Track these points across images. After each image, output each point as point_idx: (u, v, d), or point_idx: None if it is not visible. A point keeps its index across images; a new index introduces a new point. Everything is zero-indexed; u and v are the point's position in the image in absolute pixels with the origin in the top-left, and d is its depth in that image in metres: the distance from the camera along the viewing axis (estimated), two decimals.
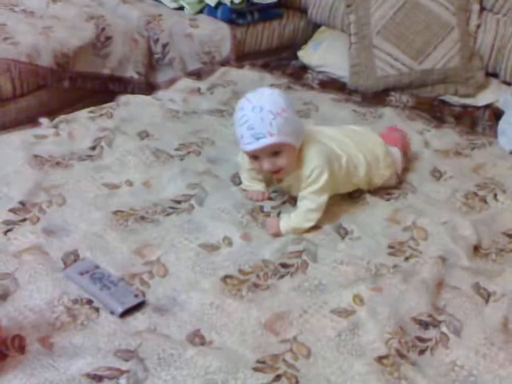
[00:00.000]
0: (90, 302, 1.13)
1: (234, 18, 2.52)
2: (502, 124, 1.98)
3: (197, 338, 1.08)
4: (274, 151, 1.33)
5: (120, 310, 1.10)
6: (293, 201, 1.47)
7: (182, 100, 1.99)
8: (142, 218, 1.37)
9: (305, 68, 2.50)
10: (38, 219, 1.33)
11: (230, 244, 1.32)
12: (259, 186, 1.50)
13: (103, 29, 2.25)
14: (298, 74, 2.43)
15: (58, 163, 1.54)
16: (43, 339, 1.03)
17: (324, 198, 1.38)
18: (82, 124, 1.72)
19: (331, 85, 2.36)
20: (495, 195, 1.60)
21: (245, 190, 1.51)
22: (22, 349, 1.01)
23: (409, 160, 1.71)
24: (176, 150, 1.66)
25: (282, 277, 1.24)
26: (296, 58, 2.57)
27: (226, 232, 1.35)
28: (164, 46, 2.40)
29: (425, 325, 1.15)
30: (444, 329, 1.14)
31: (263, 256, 1.29)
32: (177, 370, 1.00)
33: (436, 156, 1.79)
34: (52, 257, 1.22)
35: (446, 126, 2.04)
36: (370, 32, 2.36)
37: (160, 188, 1.49)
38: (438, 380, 1.05)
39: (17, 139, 1.61)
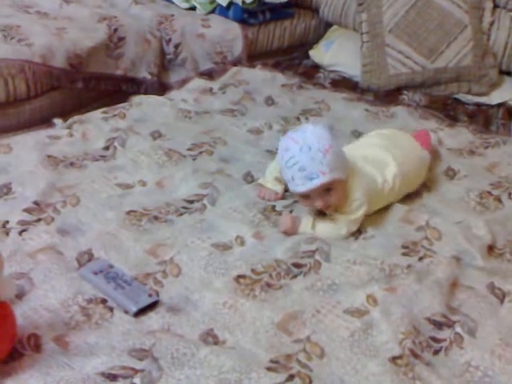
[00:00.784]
0: (104, 301, 1.13)
1: (245, 17, 2.53)
2: None
3: (210, 338, 1.08)
4: (326, 188, 1.33)
5: (134, 309, 1.11)
6: None
7: (194, 100, 1.99)
8: (155, 217, 1.38)
9: (316, 67, 2.49)
10: (53, 219, 1.34)
11: (243, 243, 1.32)
12: (277, 187, 1.50)
13: (116, 29, 2.26)
14: (310, 74, 2.43)
15: (71, 164, 1.55)
16: (58, 338, 1.04)
17: (354, 228, 1.39)
18: (96, 124, 1.73)
19: (343, 84, 2.36)
20: (510, 194, 1.59)
21: (260, 185, 1.50)
22: (37, 347, 1.01)
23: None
24: (188, 149, 1.67)
25: (294, 276, 1.24)
26: (308, 57, 2.56)
27: (238, 231, 1.35)
28: (176, 46, 2.41)
29: (439, 325, 1.14)
30: (458, 329, 1.13)
31: (276, 255, 1.29)
32: (190, 369, 1.00)
33: (449, 155, 1.78)
34: (66, 256, 1.23)
35: (460, 125, 2.02)
36: (383, 30, 2.35)
37: (173, 188, 1.50)
38: (453, 380, 1.04)
39: (31, 140, 1.62)
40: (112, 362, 1.00)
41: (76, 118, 1.77)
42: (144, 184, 1.50)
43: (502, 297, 1.23)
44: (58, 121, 1.76)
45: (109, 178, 1.50)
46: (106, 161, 1.58)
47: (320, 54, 2.53)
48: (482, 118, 2.16)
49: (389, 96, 2.27)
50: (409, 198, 1.56)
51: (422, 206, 1.53)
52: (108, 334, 1.06)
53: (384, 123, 1.94)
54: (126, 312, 1.11)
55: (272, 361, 1.04)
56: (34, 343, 1.02)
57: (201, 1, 2.55)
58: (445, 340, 1.11)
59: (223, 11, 2.53)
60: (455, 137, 1.91)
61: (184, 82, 2.19)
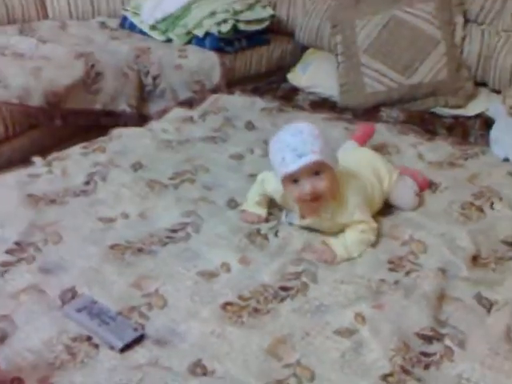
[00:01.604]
0: (89, 338, 1.12)
1: (222, 46, 2.56)
2: (494, 132, 1.99)
3: (199, 369, 1.06)
4: (316, 171, 1.32)
5: (120, 344, 1.09)
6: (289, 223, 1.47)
7: (174, 129, 2.00)
8: (139, 250, 1.37)
9: (295, 90, 2.52)
10: (34, 258, 1.33)
11: (229, 270, 1.32)
12: (259, 211, 1.50)
13: (93, 65, 2.28)
14: (289, 96, 2.45)
15: (52, 201, 1.54)
16: (43, 380, 1.02)
17: (374, 225, 1.40)
18: (75, 160, 1.73)
19: (322, 105, 2.38)
20: (492, 204, 1.60)
21: (242, 211, 1.50)
22: None
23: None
24: (170, 179, 1.67)
25: (282, 300, 1.23)
26: (286, 80, 2.59)
27: (223, 258, 1.34)
28: (154, 77, 2.43)
29: (428, 339, 1.14)
30: (448, 342, 1.13)
31: (262, 280, 1.29)
32: None
33: (430, 168, 1.79)
34: (49, 295, 1.22)
35: (439, 138, 2.04)
36: (357, 51, 2.38)
37: (156, 218, 1.49)
38: None
39: (11, 179, 1.62)
40: None
41: (55, 155, 1.77)
42: (126, 216, 1.49)
43: (489, 306, 1.22)
44: (37, 159, 1.75)
45: (90, 212, 1.49)
46: (86, 196, 1.57)
47: (298, 76, 2.56)
48: (460, 130, 2.18)
49: (367, 114, 2.29)
50: (392, 212, 1.56)
51: (406, 220, 1.53)
52: (94, 371, 1.05)
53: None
54: (112, 348, 1.10)
55: None
56: None
57: (177, 32, 2.58)
58: (435, 354, 1.10)
59: (200, 41, 2.56)
60: (435, 150, 1.92)
61: (164, 112, 2.20)
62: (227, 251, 1.36)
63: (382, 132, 2.04)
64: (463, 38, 2.39)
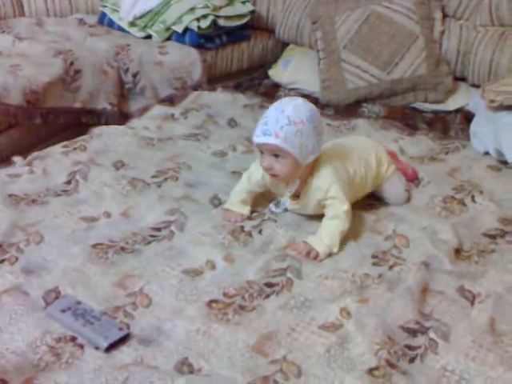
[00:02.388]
0: (73, 339, 1.10)
1: (202, 42, 2.54)
2: (474, 126, 2.01)
3: (185, 367, 1.06)
4: (275, 153, 1.34)
5: (105, 344, 1.08)
6: (273, 221, 1.47)
7: (156, 127, 1.99)
8: (122, 249, 1.36)
9: (276, 86, 2.52)
10: (17, 259, 1.31)
11: (213, 267, 1.31)
12: (243, 210, 1.49)
13: (72, 63, 2.25)
14: (271, 93, 2.45)
15: (33, 201, 1.52)
16: (27, 381, 1.01)
17: (347, 206, 1.40)
18: (56, 159, 1.71)
19: None
20: (473, 197, 1.62)
21: (226, 210, 1.50)
22: None
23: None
24: (153, 177, 1.66)
25: (267, 296, 1.23)
26: (267, 77, 2.59)
27: (208, 255, 1.34)
28: (134, 75, 2.40)
29: (413, 332, 1.15)
30: (432, 335, 1.14)
31: (247, 276, 1.29)
32: None
33: (412, 163, 1.80)
34: (32, 296, 1.20)
35: (419, 133, 2.06)
36: (338, 47, 2.39)
37: (139, 217, 1.48)
38: None
39: None
40: None
41: (36, 154, 1.74)
42: (109, 215, 1.48)
43: (472, 299, 1.24)
44: (17, 158, 1.73)
45: (72, 212, 1.48)
46: (68, 195, 1.56)
47: (279, 73, 2.56)
48: (441, 125, 2.20)
49: (349, 109, 2.30)
50: (375, 206, 1.57)
51: (389, 214, 1.55)
52: (79, 372, 1.04)
53: (346, 136, 1.96)
54: (97, 348, 1.09)
55: None
56: None
57: (156, 29, 2.56)
58: (420, 347, 1.12)
59: (179, 37, 2.54)
60: (416, 145, 1.94)
61: (144, 109, 2.18)
62: (211, 249, 1.36)
63: (365, 127, 2.05)
64: (442, 33, 2.41)
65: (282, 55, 2.69)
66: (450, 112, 2.30)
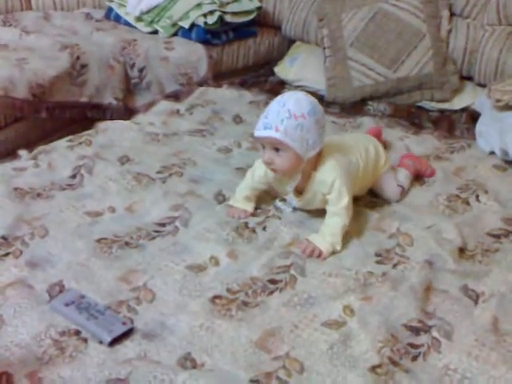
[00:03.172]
0: (77, 332, 1.11)
1: (208, 38, 2.54)
2: (480, 126, 2.00)
3: (188, 362, 1.06)
4: (276, 147, 1.34)
5: (108, 338, 1.09)
6: (277, 218, 1.47)
7: (161, 122, 1.99)
8: (127, 243, 1.36)
9: (282, 83, 2.51)
10: (21, 252, 1.31)
11: (217, 263, 1.32)
12: (247, 206, 1.49)
13: (78, 57, 2.25)
14: (276, 90, 2.44)
15: (38, 194, 1.52)
16: (31, 374, 1.01)
17: (347, 201, 1.39)
18: (61, 153, 1.71)
19: None
20: (477, 196, 1.62)
21: (229, 206, 1.50)
22: None
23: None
24: (158, 172, 1.66)
25: (271, 293, 1.24)
26: (273, 73, 2.59)
27: (212, 251, 1.34)
28: (140, 70, 2.41)
29: (416, 331, 1.15)
30: (435, 333, 1.14)
31: (251, 273, 1.29)
32: None
33: None
34: (37, 290, 1.21)
35: (425, 132, 2.06)
36: (344, 44, 2.39)
37: (143, 212, 1.49)
38: None
39: None
40: None
41: (41, 148, 1.75)
42: (113, 210, 1.48)
43: (475, 298, 1.24)
44: (22, 152, 1.73)
45: (77, 206, 1.48)
46: (73, 189, 1.56)
47: (285, 70, 2.55)
48: (446, 124, 2.19)
49: (354, 107, 2.30)
50: (379, 205, 1.57)
51: (393, 212, 1.54)
52: (83, 365, 1.04)
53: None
54: (101, 342, 1.09)
55: (252, 380, 1.03)
56: (6, 381, 0.99)
57: (163, 24, 2.56)
58: (422, 345, 1.12)
59: (186, 33, 2.54)
60: (421, 143, 1.93)
61: (150, 105, 2.18)
62: (215, 245, 1.36)
63: (370, 125, 2.04)
64: (449, 32, 2.40)
65: (288, 52, 2.68)
66: (455, 111, 2.29)
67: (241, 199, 1.50)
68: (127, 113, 2.28)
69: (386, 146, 1.83)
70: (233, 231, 1.41)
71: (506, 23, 2.35)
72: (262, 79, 2.57)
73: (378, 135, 1.79)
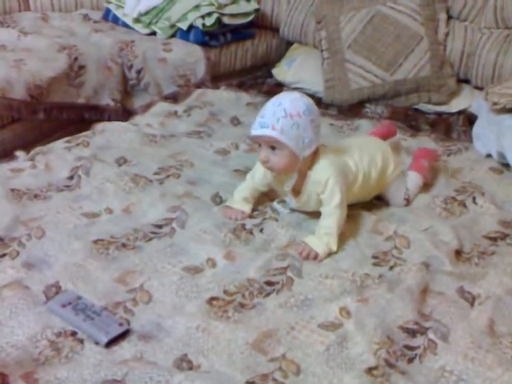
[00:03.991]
0: (74, 333, 1.11)
1: (206, 40, 2.54)
2: (477, 129, 2.01)
3: (184, 363, 1.06)
4: (272, 145, 1.35)
5: (105, 339, 1.09)
6: (274, 220, 1.47)
7: (159, 124, 1.99)
8: (123, 245, 1.36)
9: (280, 85, 2.52)
10: (18, 253, 1.31)
11: (214, 265, 1.32)
12: (244, 207, 1.50)
13: (76, 58, 2.25)
14: (274, 92, 2.41)
15: (35, 195, 1.52)
16: (27, 375, 1.01)
17: (339, 200, 1.39)
18: (59, 155, 1.71)
19: None
20: (474, 199, 1.62)
21: (227, 207, 1.50)
22: None
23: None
24: (155, 174, 1.66)
25: (267, 295, 1.24)
26: (271, 75, 2.59)
27: (209, 253, 1.34)
28: (138, 71, 2.41)
29: (412, 333, 1.15)
30: (431, 335, 1.14)
31: (248, 275, 1.29)
32: None
33: None
34: (33, 291, 1.20)
35: (422, 134, 2.06)
36: (342, 47, 2.39)
37: (140, 214, 1.49)
38: None
39: None
40: None
41: (38, 149, 1.75)
42: (111, 211, 1.48)
43: (471, 300, 1.24)
44: (20, 153, 1.73)
45: (74, 207, 1.48)
46: (70, 191, 1.56)
47: (283, 72, 2.56)
48: (444, 127, 2.20)
49: (352, 110, 2.30)
50: (377, 207, 1.57)
51: (390, 214, 1.55)
52: (79, 366, 1.04)
53: (349, 136, 1.96)
54: (97, 343, 1.09)
55: (248, 382, 1.03)
56: (2, 383, 0.99)
57: (161, 26, 2.56)
58: (418, 347, 1.12)
59: (184, 35, 2.54)
60: (418, 146, 1.93)
61: (148, 106, 2.19)
62: (212, 246, 1.36)
63: (367, 128, 2.05)
64: (446, 35, 2.41)
65: (286, 54, 2.69)
66: (452, 114, 2.30)
67: (239, 200, 1.51)
68: (125, 114, 2.28)
69: (399, 146, 1.84)
70: (230, 233, 1.41)
71: (503, 26, 2.36)
72: (259, 81, 2.58)
73: (392, 133, 1.80)
